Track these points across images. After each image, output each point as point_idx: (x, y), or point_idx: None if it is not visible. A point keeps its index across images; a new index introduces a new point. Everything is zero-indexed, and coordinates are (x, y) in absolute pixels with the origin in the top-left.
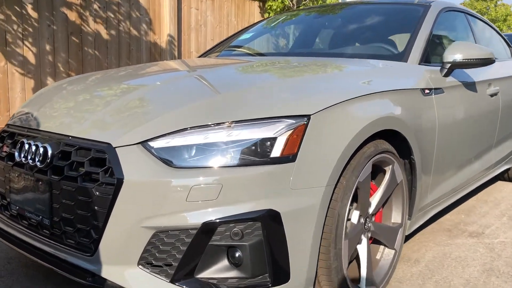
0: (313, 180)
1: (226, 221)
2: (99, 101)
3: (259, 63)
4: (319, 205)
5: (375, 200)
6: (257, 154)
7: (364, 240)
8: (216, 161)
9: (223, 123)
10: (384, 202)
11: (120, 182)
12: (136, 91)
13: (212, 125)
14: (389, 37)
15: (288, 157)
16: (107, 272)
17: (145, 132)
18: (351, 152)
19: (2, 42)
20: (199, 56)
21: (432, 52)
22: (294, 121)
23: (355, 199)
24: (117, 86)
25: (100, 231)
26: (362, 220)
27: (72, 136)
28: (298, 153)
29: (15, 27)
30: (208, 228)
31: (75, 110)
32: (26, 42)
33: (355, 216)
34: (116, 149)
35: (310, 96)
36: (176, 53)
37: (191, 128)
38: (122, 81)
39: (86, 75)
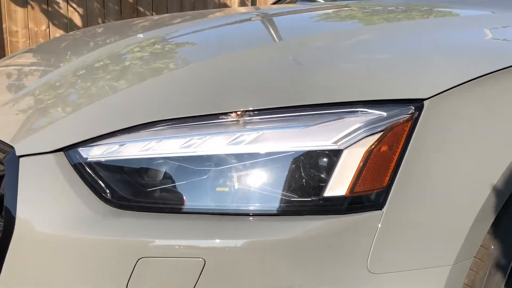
0: (425, 251)
1: None
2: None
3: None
4: None
5: None
6: (291, 189)
7: None
8: (205, 197)
9: (226, 113)
10: None
11: (9, 226)
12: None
13: (208, 118)
14: None
15: (367, 198)
16: None
17: (73, 130)
18: None
19: (43, 0)
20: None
21: None
22: (382, 114)
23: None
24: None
25: None
26: None
27: None
28: (393, 187)
29: None
30: None
31: None
32: (70, 2)
33: None
34: (21, 159)
35: (419, 66)
36: None
37: (167, 122)
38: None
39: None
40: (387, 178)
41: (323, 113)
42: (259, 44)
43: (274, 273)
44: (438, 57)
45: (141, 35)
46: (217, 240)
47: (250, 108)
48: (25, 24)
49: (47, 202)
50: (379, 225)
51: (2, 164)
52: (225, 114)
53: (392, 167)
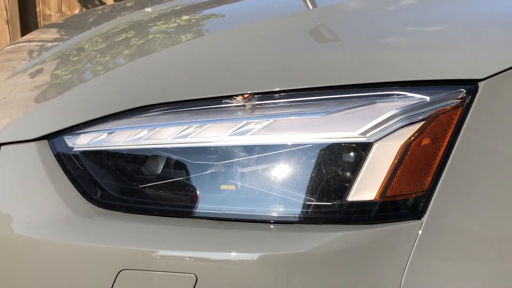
0: (474, 273)
1: None
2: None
3: None
4: None
5: None
6: (307, 190)
7: None
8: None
9: (230, 97)
10: None
11: None
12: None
13: (209, 102)
14: None
15: (402, 204)
16: None
17: (58, 115)
18: None
19: None
20: None
21: None
22: (424, 99)
23: None
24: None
25: None
26: None
27: None
28: (436, 191)
29: None
30: None
31: None
32: None
33: None
34: (2, 148)
35: (472, 39)
36: None
37: (162, 107)
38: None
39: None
40: (429, 179)
41: (349, 97)
42: (272, 14)
43: None
44: (495, 29)
45: (148, 9)
46: (213, 253)
47: (259, 91)
48: (59, 8)
49: (24, 197)
50: (417, 239)
51: None
52: (229, 97)
53: (435, 166)
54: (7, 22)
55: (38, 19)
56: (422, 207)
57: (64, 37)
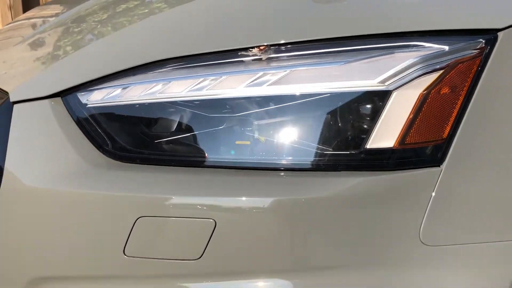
0: (491, 221)
1: None
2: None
3: None
4: None
5: None
6: (326, 139)
7: None
8: (220, 149)
9: (246, 49)
10: None
11: None
12: None
13: (225, 55)
14: None
15: (421, 151)
16: None
17: (71, 72)
18: None
19: None
20: None
21: None
22: (443, 49)
23: None
24: None
25: None
26: None
27: None
28: (454, 140)
29: None
30: None
31: None
32: None
33: None
34: (15, 106)
35: None
36: None
37: (177, 61)
38: None
39: None
40: (448, 128)
41: (368, 48)
42: None
43: (303, 237)
44: None
45: None
46: (232, 198)
47: (276, 42)
48: None
49: (40, 153)
50: (436, 187)
51: None
52: (245, 49)
53: (454, 114)
54: (10, 8)
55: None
56: (441, 155)
57: (66, 10)
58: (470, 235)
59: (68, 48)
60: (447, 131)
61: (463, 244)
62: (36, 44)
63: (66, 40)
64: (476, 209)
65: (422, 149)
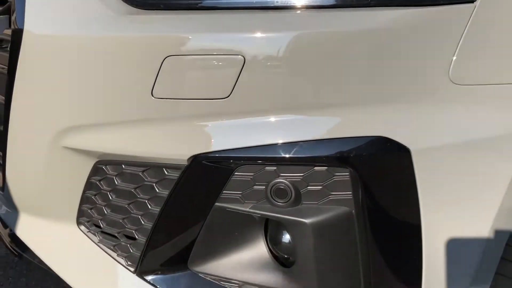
0: None
1: (256, 157)
2: None
3: None
4: None
5: None
6: None
7: None
8: None
9: None
10: None
11: (18, 34)
12: None
13: None
14: None
15: None
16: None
17: None
18: None
19: None
20: None
21: None
22: None
23: None
24: None
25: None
26: None
27: None
28: None
29: None
30: (206, 168)
31: None
32: None
33: None
34: None
35: None
36: None
37: None
38: None
39: None
40: None
41: None
42: None
43: (334, 73)
44: None
45: None
46: (260, 34)
47: None
48: None
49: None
50: (469, 23)
51: None
52: None
53: None
54: None
55: None
56: None
57: None
58: (502, 76)
59: None
60: None
61: (493, 84)
62: None
63: None
64: (509, 50)
65: None
